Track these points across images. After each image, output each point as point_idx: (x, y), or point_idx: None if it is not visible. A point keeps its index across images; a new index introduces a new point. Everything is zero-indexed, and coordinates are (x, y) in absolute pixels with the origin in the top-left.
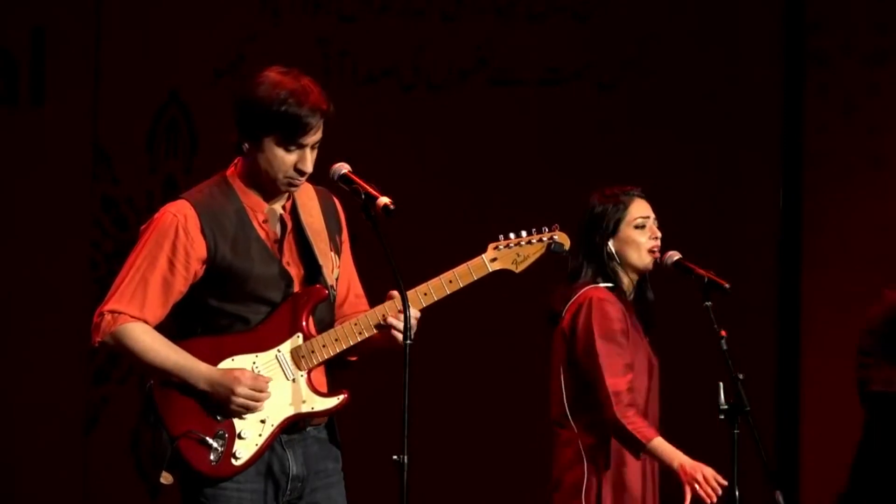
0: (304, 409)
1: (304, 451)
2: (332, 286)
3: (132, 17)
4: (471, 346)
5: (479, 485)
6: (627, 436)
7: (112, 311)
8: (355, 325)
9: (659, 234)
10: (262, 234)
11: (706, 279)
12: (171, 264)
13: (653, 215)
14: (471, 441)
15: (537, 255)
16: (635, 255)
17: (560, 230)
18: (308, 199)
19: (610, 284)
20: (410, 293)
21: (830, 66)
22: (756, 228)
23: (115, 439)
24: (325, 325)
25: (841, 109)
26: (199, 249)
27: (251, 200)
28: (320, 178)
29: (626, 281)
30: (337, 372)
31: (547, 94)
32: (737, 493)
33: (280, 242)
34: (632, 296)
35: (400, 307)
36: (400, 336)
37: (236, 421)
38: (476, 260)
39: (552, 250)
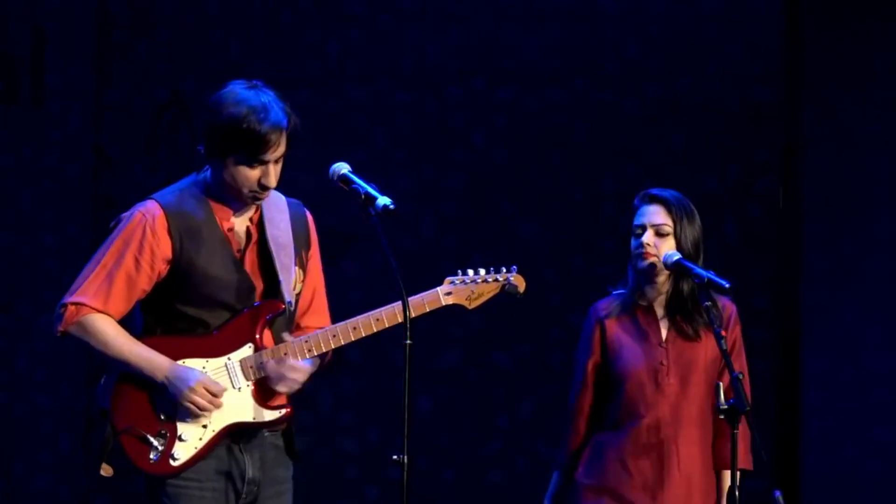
0: (246, 418)
1: (262, 455)
2: (290, 301)
3: (132, 16)
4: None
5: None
6: (561, 440)
7: (76, 303)
8: (306, 342)
9: (645, 241)
10: (228, 242)
11: (706, 279)
12: (137, 262)
13: (658, 220)
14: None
15: (491, 294)
16: (631, 260)
17: (518, 273)
18: (278, 212)
19: (620, 291)
20: (363, 319)
21: (830, 66)
22: (756, 228)
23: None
24: (282, 338)
25: (842, 114)
26: (165, 249)
27: (219, 208)
28: (320, 178)
29: (648, 288)
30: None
31: (547, 94)
32: (737, 493)
33: (243, 252)
34: (659, 301)
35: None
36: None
37: (179, 423)
38: (431, 293)
39: (506, 291)
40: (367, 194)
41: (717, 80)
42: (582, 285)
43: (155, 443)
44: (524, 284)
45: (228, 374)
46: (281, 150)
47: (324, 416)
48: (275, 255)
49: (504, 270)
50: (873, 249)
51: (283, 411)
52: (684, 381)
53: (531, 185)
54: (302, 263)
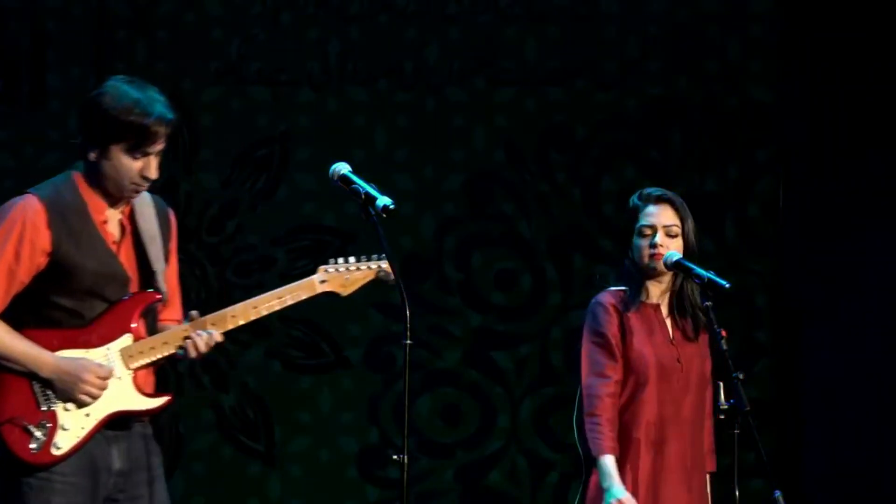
0: (127, 406)
1: (129, 446)
2: (164, 291)
3: (132, 16)
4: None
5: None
6: (587, 440)
7: None
8: (184, 330)
9: (659, 242)
10: (103, 234)
11: (706, 279)
12: (17, 254)
13: (668, 221)
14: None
15: (365, 280)
16: (638, 259)
17: (387, 260)
18: (145, 206)
19: (623, 288)
20: (241, 306)
21: (830, 66)
22: (756, 228)
23: None
24: (154, 328)
25: (842, 114)
26: (44, 241)
27: (94, 201)
28: (320, 178)
29: (652, 287)
30: (163, 375)
31: (547, 95)
32: (737, 493)
33: (118, 244)
34: (663, 300)
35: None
36: (192, 352)
37: (60, 412)
38: (306, 281)
39: (380, 277)
40: (367, 194)
41: (717, 80)
42: (582, 285)
43: (37, 433)
44: (392, 271)
45: (109, 363)
46: (163, 144)
47: (324, 416)
48: (147, 246)
49: (375, 258)
50: (873, 249)
51: (164, 399)
52: (690, 379)
53: (531, 185)
54: (165, 256)
